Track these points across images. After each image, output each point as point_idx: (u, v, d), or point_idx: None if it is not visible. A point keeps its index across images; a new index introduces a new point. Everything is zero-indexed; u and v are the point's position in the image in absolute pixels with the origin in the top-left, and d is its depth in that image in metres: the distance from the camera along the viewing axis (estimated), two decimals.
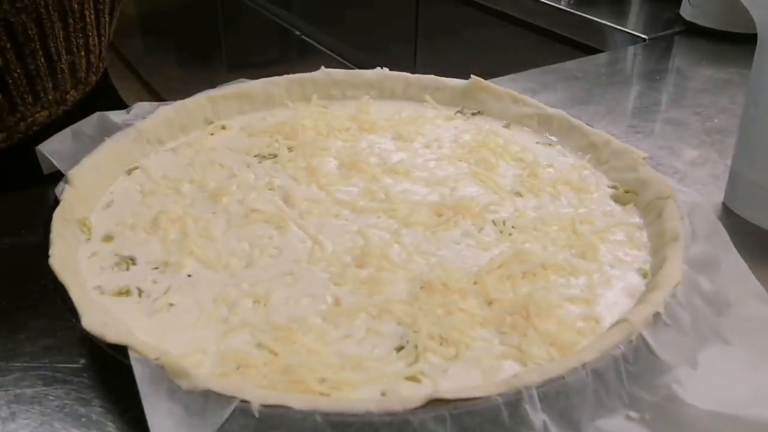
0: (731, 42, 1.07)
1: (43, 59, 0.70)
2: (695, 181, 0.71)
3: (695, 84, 0.96)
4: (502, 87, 0.74)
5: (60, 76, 0.74)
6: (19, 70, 0.69)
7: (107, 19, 0.80)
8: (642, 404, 0.42)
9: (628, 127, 0.83)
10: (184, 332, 0.46)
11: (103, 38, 0.80)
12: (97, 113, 0.65)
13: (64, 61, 0.73)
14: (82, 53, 0.76)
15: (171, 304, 0.48)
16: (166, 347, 0.42)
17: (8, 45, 0.67)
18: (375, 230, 0.56)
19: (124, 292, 0.49)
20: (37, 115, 0.73)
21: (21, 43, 0.68)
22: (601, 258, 0.54)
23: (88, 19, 0.75)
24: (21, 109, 0.72)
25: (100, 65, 0.77)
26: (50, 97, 0.74)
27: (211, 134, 0.68)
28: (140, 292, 0.49)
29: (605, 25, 1.17)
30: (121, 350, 0.41)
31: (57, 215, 0.52)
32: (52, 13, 0.69)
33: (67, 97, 0.76)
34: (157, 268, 0.51)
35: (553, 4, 1.25)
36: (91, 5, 0.75)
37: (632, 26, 1.15)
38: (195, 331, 0.46)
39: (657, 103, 0.90)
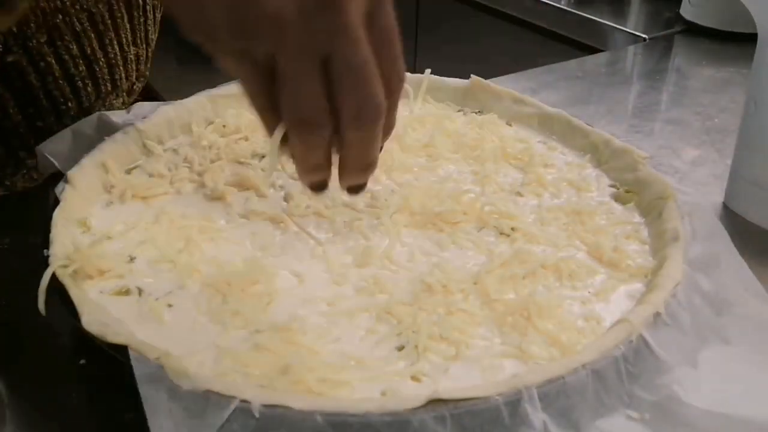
0: (731, 42, 1.07)
1: (117, 49, 0.73)
2: (695, 181, 0.71)
3: (695, 84, 0.96)
4: (502, 87, 0.74)
5: (131, 65, 0.76)
6: (102, 59, 0.71)
7: (158, 16, 0.81)
8: (642, 404, 0.42)
9: (628, 127, 0.83)
10: (183, 332, 0.46)
11: (157, 35, 0.82)
12: (97, 113, 0.64)
13: (131, 52, 0.76)
14: (144, 46, 0.78)
15: (170, 305, 0.48)
16: (166, 347, 0.42)
17: (92, 34, 0.70)
18: (375, 230, 0.56)
19: (124, 292, 0.49)
20: (114, 101, 0.75)
21: (101, 32, 0.71)
22: (601, 258, 0.54)
23: (146, 12, 0.77)
24: (103, 96, 0.73)
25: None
26: (124, 88, 0.76)
27: (212, 134, 0.68)
28: (140, 291, 0.49)
29: (605, 24, 1.17)
30: (121, 350, 0.41)
31: (57, 215, 0.52)
32: (121, 4, 0.72)
33: (134, 87, 0.78)
34: (157, 267, 0.51)
35: (553, 4, 1.25)
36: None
37: (632, 26, 1.15)
38: (195, 330, 0.46)
39: (657, 103, 0.90)
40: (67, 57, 0.68)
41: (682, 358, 0.44)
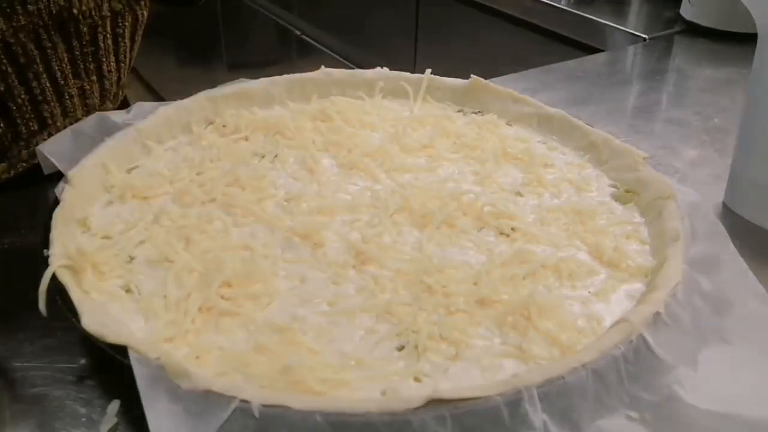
0: (731, 42, 1.07)
1: (47, 83, 0.68)
2: (695, 181, 0.71)
3: (695, 84, 0.96)
4: (502, 87, 0.74)
5: (68, 101, 0.72)
6: (22, 95, 0.67)
7: (127, 44, 0.77)
8: (642, 404, 0.42)
9: (628, 127, 0.83)
10: (183, 332, 0.46)
11: (122, 64, 0.78)
12: (97, 113, 0.64)
13: (71, 86, 0.71)
14: (93, 78, 0.73)
15: (170, 305, 0.48)
16: (166, 347, 0.42)
17: (9, 69, 0.65)
18: (375, 230, 0.56)
19: (124, 292, 0.49)
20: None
21: (23, 65, 0.66)
22: (601, 258, 0.54)
23: (101, 44, 0.73)
24: (25, 137, 0.69)
25: (119, 93, 0.73)
26: (58, 124, 0.72)
27: (211, 134, 0.68)
28: (140, 291, 0.49)
29: (605, 24, 1.16)
30: (121, 350, 0.41)
31: (57, 215, 0.52)
32: (53, 33, 0.67)
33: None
34: (156, 267, 0.51)
35: (553, 3, 1.25)
36: (108, 29, 0.73)
37: (632, 26, 1.15)
38: (195, 330, 0.46)
39: (657, 103, 0.90)
40: None
41: (682, 358, 0.44)
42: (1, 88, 0.65)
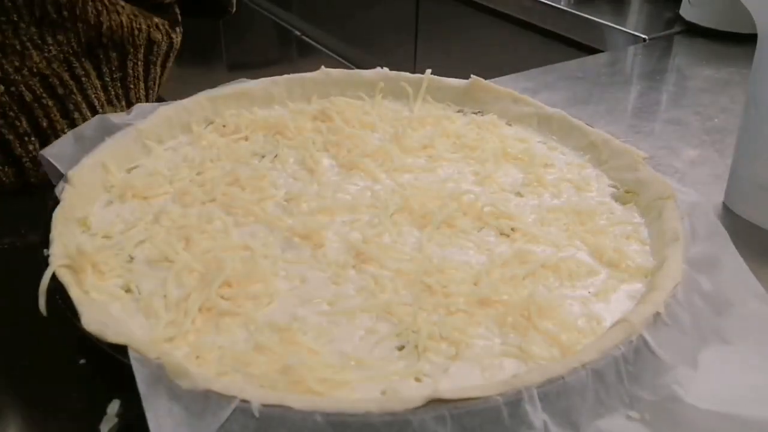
0: (731, 42, 1.07)
1: (88, 113, 0.66)
2: (695, 181, 0.71)
3: (695, 84, 0.96)
4: (502, 87, 0.74)
5: None
6: (66, 129, 0.64)
7: (158, 71, 0.76)
8: (642, 404, 0.42)
9: (628, 127, 0.83)
10: (183, 332, 0.46)
11: (151, 90, 0.77)
12: (98, 115, 0.64)
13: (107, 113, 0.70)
14: (123, 104, 0.72)
15: (169, 305, 0.48)
16: (166, 347, 0.42)
17: (50, 102, 0.63)
18: (375, 230, 0.56)
19: (124, 292, 0.49)
20: None
21: (61, 96, 0.64)
22: (601, 258, 0.54)
23: (131, 70, 0.71)
24: None
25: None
26: None
27: (211, 134, 0.68)
28: (139, 291, 0.49)
29: (605, 25, 1.17)
30: (121, 350, 0.41)
31: (57, 215, 0.52)
32: (83, 60, 0.66)
33: None
34: (156, 267, 0.51)
35: (553, 4, 1.25)
36: (140, 57, 0.71)
37: (632, 26, 1.15)
38: (195, 330, 0.46)
39: (657, 103, 0.90)
40: (11, 137, 0.59)
41: (682, 358, 0.44)
42: (44, 124, 0.63)
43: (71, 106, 0.65)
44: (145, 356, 0.40)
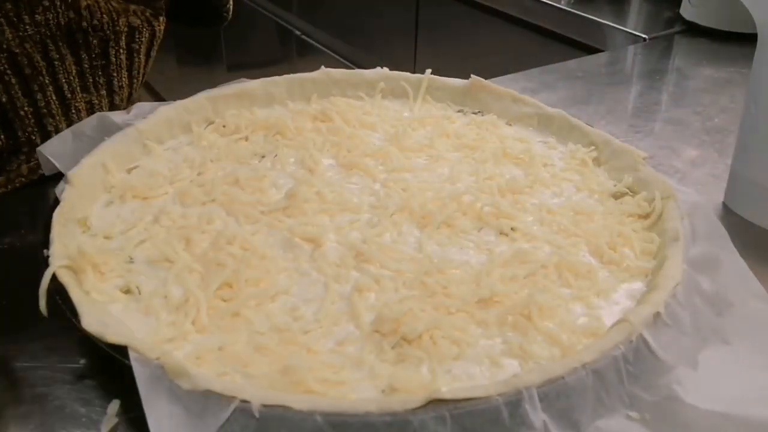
0: (731, 42, 1.07)
1: (53, 96, 0.66)
2: (695, 181, 0.71)
3: (695, 84, 0.96)
4: (502, 87, 0.74)
5: (75, 115, 0.70)
6: (26, 107, 0.65)
7: (142, 59, 0.76)
8: (642, 404, 0.42)
9: (628, 127, 0.83)
10: (183, 332, 0.46)
11: (135, 79, 0.76)
12: (98, 114, 0.64)
13: (79, 100, 0.69)
14: (103, 92, 0.72)
15: (169, 305, 0.48)
16: (166, 347, 0.42)
17: (12, 79, 0.63)
18: (375, 230, 0.56)
19: (124, 292, 0.49)
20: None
21: (27, 76, 0.65)
22: (601, 257, 0.54)
23: (113, 58, 0.71)
24: (26, 151, 0.68)
25: (130, 108, 0.74)
26: None
27: (211, 134, 0.68)
28: (140, 291, 0.49)
29: (605, 24, 1.16)
30: (121, 350, 0.41)
31: (57, 215, 0.52)
32: (61, 45, 0.66)
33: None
34: (157, 267, 0.51)
35: (553, 3, 1.25)
36: (122, 44, 0.71)
37: (632, 26, 1.15)
38: (195, 331, 0.46)
39: (657, 103, 0.90)
40: None
41: (682, 358, 0.44)
42: (3, 99, 0.64)
43: (35, 87, 0.65)
44: (145, 356, 0.40)
